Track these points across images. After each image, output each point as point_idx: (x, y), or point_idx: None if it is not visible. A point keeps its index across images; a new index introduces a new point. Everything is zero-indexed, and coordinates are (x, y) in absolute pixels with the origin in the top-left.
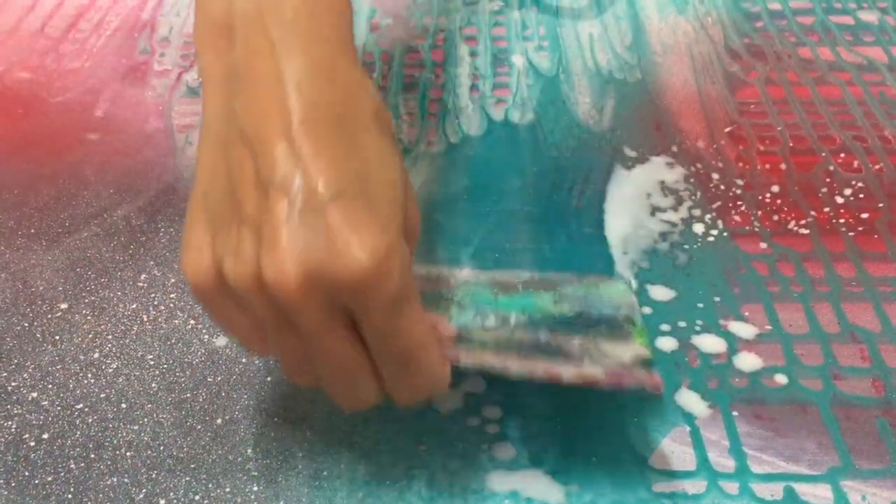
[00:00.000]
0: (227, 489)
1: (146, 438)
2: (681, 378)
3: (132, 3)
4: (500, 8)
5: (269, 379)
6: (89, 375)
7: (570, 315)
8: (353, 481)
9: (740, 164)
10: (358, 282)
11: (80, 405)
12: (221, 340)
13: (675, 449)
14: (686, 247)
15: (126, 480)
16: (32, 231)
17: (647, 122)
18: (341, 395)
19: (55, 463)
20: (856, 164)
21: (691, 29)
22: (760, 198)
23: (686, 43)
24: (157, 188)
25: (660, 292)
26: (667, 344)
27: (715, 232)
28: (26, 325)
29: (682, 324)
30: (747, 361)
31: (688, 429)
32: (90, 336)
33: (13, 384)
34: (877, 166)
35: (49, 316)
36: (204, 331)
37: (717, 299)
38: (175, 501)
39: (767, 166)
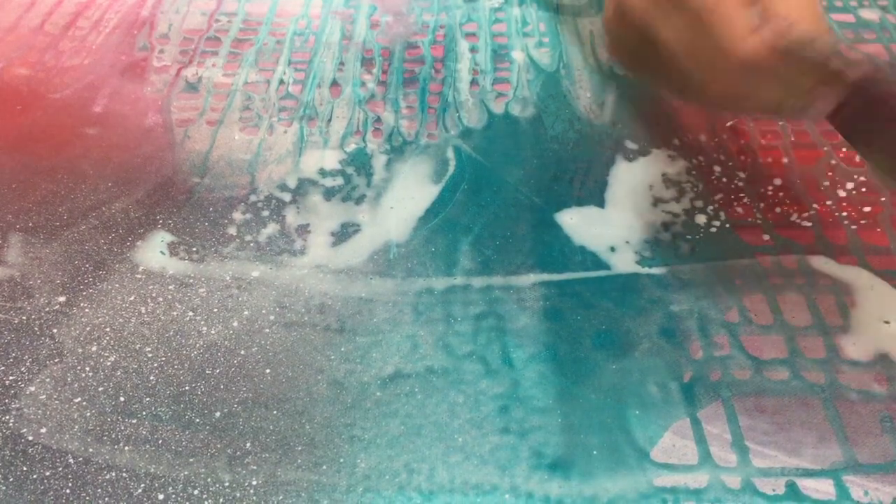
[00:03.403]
0: (226, 483)
1: (144, 432)
2: (683, 370)
3: (131, 0)
4: (500, 4)
5: (267, 371)
6: (87, 368)
7: None
8: (352, 475)
9: (742, 158)
10: None
11: (78, 399)
12: (219, 333)
13: (676, 443)
14: (688, 237)
15: (124, 474)
16: (31, 225)
17: (648, 116)
18: None
19: (53, 457)
20: (858, 158)
21: None
22: (762, 190)
23: None
24: (155, 182)
25: (661, 282)
26: (670, 335)
27: (717, 223)
28: (24, 318)
29: (683, 315)
30: (750, 354)
31: (689, 422)
32: (88, 329)
33: (11, 378)
34: None
35: (47, 309)
36: (202, 323)
37: (720, 290)
38: (174, 496)
39: (769, 160)
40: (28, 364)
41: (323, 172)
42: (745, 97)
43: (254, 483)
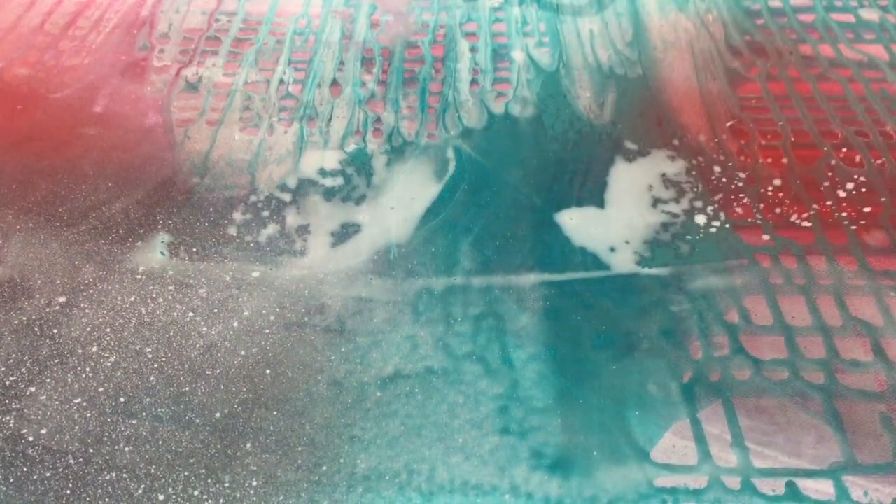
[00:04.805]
0: (226, 484)
1: (144, 433)
2: (683, 370)
3: (131, 0)
4: (500, 4)
5: (267, 372)
6: (87, 369)
7: None
8: (352, 476)
9: (742, 158)
10: None
11: (79, 399)
12: (219, 333)
13: (676, 443)
14: (688, 238)
15: (125, 475)
16: (31, 225)
17: (648, 116)
18: None
19: (53, 458)
20: (858, 158)
21: (692, 26)
22: (762, 191)
23: (687, 40)
24: (155, 182)
25: (661, 283)
26: (670, 335)
27: (717, 223)
28: (24, 318)
29: (683, 315)
30: (749, 354)
31: (689, 423)
32: (88, 329)
33: (11, 378)
34: (879, 161)
35: (47, 310)
36: (202, 323)
37: (720, 291)
38: (174, 496)
39: (769, 160)
40: (28, 365)
41: (323, 172)
42: None
43: (254, 483)
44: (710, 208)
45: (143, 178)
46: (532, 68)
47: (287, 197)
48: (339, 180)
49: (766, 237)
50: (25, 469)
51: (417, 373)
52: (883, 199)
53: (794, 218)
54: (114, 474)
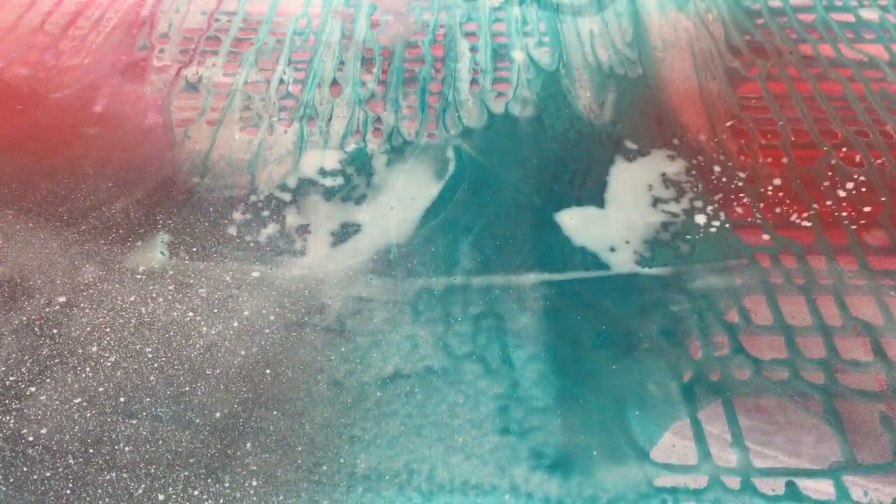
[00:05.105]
0: (226, 484)
1: (145, 433)
2: (683, 370)
3: (131, 0)
4: (500, 4)
5: (267, 372)
6: (87, 369)
7: None
8: (352, 476)
9: (742, 158)
10: None
11: (79, 399)
12: (219, 333)
13: (676, 443)
14: (688, 237)
15: (125, 475)
16: (31, 225)
17: (648, 116)
18: None
19: (53, 458)
20: (858, 158)
21: (692, 25)
22: (762, 190)
23: (687, 39)
24: (155, 181)
25: (661, 282)
26: (670, 335)
27: (717, 223)
28: (24, 318)
29: (683, 314)
30: (749, 354)
31: (689, 422)
32: (88, 329)
33: (11, 378)
34: (878, 161)
35: (47, 309)
36: (202, 323)
37: (720, 290)
38: (174, 496)
39: (769, 159)
40: (28, 365)
41: (323, 172)
42: None
43: (254, 483)
44: (710, 208)
45: (143, 178)
46: (532, 68)
47: (287, 197)
48: (339, 180)
49: (766, 237)
50: (25, 469)
51: (417, 373)
52: (883, 199)
53: (794, 218)
54: (114, 474)
